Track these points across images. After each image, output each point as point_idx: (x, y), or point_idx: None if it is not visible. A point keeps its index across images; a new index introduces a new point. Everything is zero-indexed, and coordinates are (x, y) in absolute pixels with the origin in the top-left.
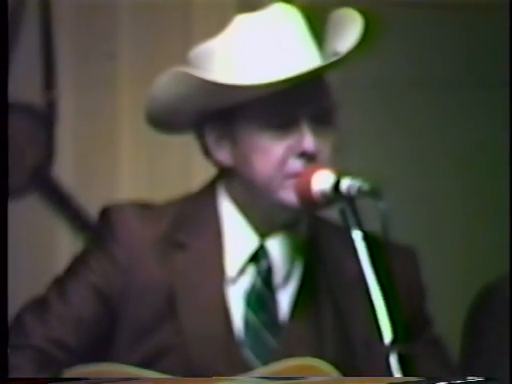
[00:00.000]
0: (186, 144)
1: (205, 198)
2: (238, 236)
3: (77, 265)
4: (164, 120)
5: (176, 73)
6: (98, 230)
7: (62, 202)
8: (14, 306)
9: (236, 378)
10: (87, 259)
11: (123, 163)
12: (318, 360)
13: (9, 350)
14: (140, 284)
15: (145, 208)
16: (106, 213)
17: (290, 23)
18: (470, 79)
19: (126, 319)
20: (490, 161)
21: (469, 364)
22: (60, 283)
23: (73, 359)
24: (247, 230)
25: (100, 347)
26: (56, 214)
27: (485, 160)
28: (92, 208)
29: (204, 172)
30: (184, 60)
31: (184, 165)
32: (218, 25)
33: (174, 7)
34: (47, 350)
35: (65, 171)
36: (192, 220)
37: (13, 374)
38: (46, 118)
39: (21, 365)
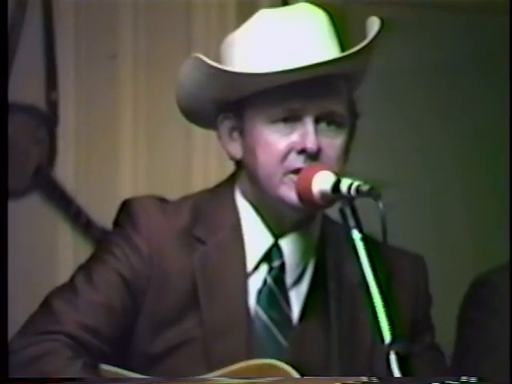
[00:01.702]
0: (187, 144)
1: (223, 194)
2: (253, 233)
3: (101, 253)
4: (188, 107)
5: (194, 58)
6: (120, 222)
7: (63, 202)
8: (14, 306)
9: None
10: (111, 248)
11: (124, 163)
12: (279, 361)
13: (40, 337)
14: (162, 275)
15: (164, 202)
16: (126, 205)
17: (310, 20)
18: (478, 76)
19: (148, 309)
20: (494, 160)
21: (461, 356)
22: (86, 270)
23: (104, 346)
24: (262, 228)
25: (125, 335)
26: (57, 213)
27: (488, 159)
28: (93, 207)
29: (205, 172)
30: (185, 56)
31: (185, 165)
32: (217, 20)
33: (175, 7)
34: (80, 336)
35: (66, 171)
36: (211, 215)
37: (47, 360)
38: (47, 119)
39: (58, 349)
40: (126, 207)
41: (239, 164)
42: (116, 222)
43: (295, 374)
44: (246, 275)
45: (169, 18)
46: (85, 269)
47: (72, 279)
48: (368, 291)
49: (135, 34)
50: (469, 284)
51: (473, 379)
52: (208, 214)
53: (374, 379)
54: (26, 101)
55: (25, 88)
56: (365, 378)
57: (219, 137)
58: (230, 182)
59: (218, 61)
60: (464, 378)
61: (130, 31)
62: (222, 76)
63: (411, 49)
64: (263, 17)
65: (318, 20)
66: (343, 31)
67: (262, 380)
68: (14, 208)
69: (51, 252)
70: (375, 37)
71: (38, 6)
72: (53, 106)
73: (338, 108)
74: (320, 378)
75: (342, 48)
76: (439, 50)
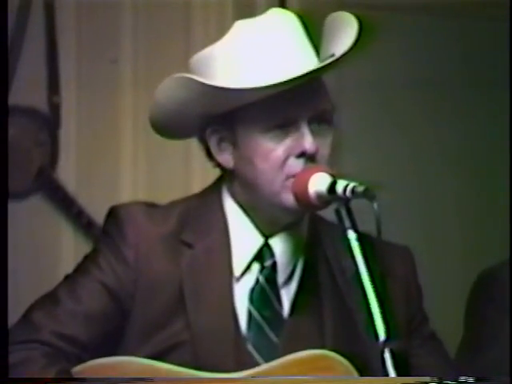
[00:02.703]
0: (186, 147)
1: (210, 198)
2: (242, 235)
3: (86, 263)
4: (168, 125)
5: (178, 78)
6: (107, 229)
7: (64, 203)
8: (15, 306)
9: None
10: (96, 258)
11: (125, 165)
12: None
13: (16, 346)
14: (149, 281)
15: (151, 207)
16: (113, 212)
17: (287, 27)
18: (467, 80)
19: (136, 315)
20: (487, 161)
21: (470, 354)
22: (70, 281)
23: (83, 354)
24: (251, 229)
25: (111, 342)
26: (59, 214)
27: (481, 160)
28: (94, 208)
29: (204, 174)
30: (184, 61)
31: (185, 167)
32: (216, 25)
33: (174, 9)
34: (57, 344)
35: (68, 173)
36: (198, 219)
37: (22, 368)
38: (49, 121)
39: (32, 358)
40: (112, 214)
41: (225, 169)
42: (103, 230)
43: (347, 364)
44: (233, 278)
45: (168, 22)
46: (69, 279)
47: (55, 289)
48: (363, 290)
49: (135, 39)
50: (467, 276)
51: (471, 379)
52: (195, 218)
53: (436, 379)
54: (29, 103)
55: (27, 91)
56: (427, 378)
57: (205, 148)
58: (217, 185)
59: (194, 74)
60: (463, 378)
61: (131, 36)
62: (210, 92)
63: (404, 54)
64: (241, 29)
65: (294, 25)
66: (314, 30)
67: (260, 379)
68: (17, 209)
69: (53, 252)
70: (358, 39)
71: (41, 11)
72: (55, 108)
73: (327, 106)
74: (375, 379)
75: (316, 45)
76: (432, 55)
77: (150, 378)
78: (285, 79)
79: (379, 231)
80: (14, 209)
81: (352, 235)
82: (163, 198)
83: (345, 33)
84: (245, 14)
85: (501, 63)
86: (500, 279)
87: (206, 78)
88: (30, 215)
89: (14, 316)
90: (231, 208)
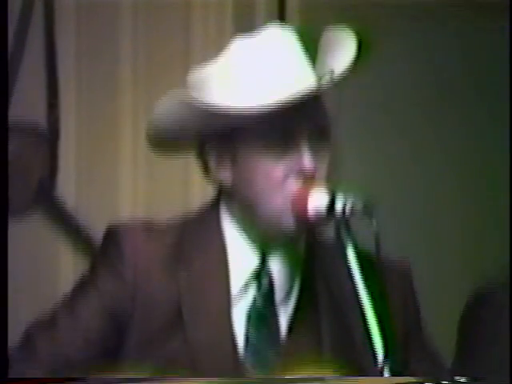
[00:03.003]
0: (187, 162)
1: (207, 216)
2: (239, 253)
3: (84, 284)
4: (165, 142)
5: (176, 95)
6: (104, 248)
7: (64, 219)
8: (15, 323)
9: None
10: (94, 277)
11: (125, 181)
12: None
13: (15, 366)
14: (147, 300)
15: (149, 226)
16: (111, 231)
17: (285, 45)
18: (468, 87)
19: (134, 333)
20: (489, 170)
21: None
22: (67, 301)
23: (81, 373)
24: (248, 248)
25: (109, 360)
26: (58, 230)
27: (483, 170)
28: (94, 225)
29: (205, 190)
30: (184, 61)
31: (185, 182)
32: (216, 25)
33: (174, 8)
34: (55, 365)
35: (67, 188)
36: (196, 237)
37: None
38: (49, 136)
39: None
40: (110, 233)
41: (223, 187)
42: (100, 249)
43: None
44: (231, 297)
45: (168, 21)
46: (66, 299)
47: (53, 309)
48: (361, 307)
49: (135, 53)
50: (463, 295)
51: (466, 379)
52: (193, 236)
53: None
54: (28, 118)
55: (26, 105)
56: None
57: (204, 165)
58: (215, 203)
59: (193, 91)
60: (458, 378)
61: (131, 52)
62: (209, 110)
63: (407, 58)
64: (239, 46)
65: (292, 42)
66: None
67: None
68: (16, 225)
69: (53, 268)
70: (358, 53)
71: (41, 25)
72: (54, 123)
73: (326, 122)
74: (374, 378)
75: (314, 61)
76: (436, 59)
77: (150, 378)
78: (283, 99)
79: (378, 248)
80: (14, 225)
81: (351, 252)
82: (163, 213)
83: (343, 48)
84: (244, 14)
85: (501, 65)
86: (489, 301)
87: (204, 95)
88: (30, 231)
89: (14, 334)
90: (229, 226)
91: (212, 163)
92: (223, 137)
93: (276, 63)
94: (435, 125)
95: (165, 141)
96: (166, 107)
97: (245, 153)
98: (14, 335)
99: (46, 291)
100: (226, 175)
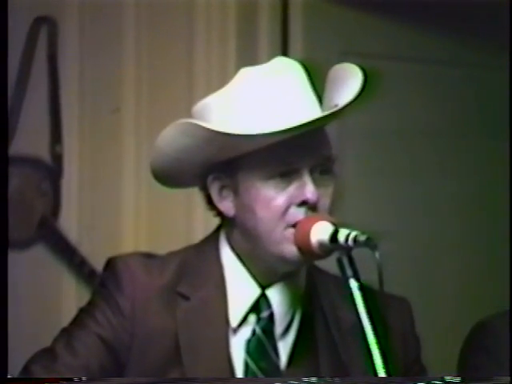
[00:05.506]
0: (188, 195)
1: (207, 248)
2: (239, 285)
3: (83, 317)
4: (169, 173)
5: (180, 124)
6: (104, 281)
7: (67, 252)
8: (17, 357)
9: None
10: (93, 310)
11: (126, 215)
12: None
13: None
14: (145, 333)
15: (149, 259)
16: (111, 264)
17: (291, 76)
18: (469, 129)
19: (133, 366)
20: (490, 211)
21: None
22: (66, 334)
23: None
24: (248, 279)
25: None
26: (61, 263)
27: (484, 207)
28: (96, 258)
29: (206, 224)
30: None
31: (186, 216)
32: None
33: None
34: None
35: (70, 222)
36: (195, 270)
37: None
38: (52, 171)
39: None
40: (110, 266)
41: (225, 218)
42: (100, 282)
43: None
44: (229, 329)
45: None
46: (66, 333)
47: (53, 344)
48: (365, 340)
49: (138, 89)
50: (465, 329)
51: (456, 379)
52: (192, 269)
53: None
54: (31, 153)
55: (30, 141)
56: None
57: (206, 196)
58: (215, 235)
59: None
60: (448, 378)
61: (133, 87)
62: (213, 138)
63: (405, 102)
64: (245, 76)
65: (299, 74)
66: (316, 79)
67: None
68: (19, 259)
69: (56, 301)
70: (363, 89)
71: (44, 61)
72: (57, 158)
73: (329, 154)
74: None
75: (320, 95)
76: (433, 102)
77: (151, 379)
78: (288, 127)
79: (381, 281)
80: (16, 258)
81: (354, 284)
82: (164, 247)
83: (349, 83)
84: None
85: (501, 108)
86: (491, 330)
87: (208, 125)
88: (32, 265)
89: (13, 367)
90: (228, 257)
91: (214, 194)
92: (226, 167)
93: (282, 93)
94: (442, 169)
95: (169, 171)
96: (169, 138)
97: (247, 182)
98: (15, 368)
99: (48, 325)
100: (228, 206)
